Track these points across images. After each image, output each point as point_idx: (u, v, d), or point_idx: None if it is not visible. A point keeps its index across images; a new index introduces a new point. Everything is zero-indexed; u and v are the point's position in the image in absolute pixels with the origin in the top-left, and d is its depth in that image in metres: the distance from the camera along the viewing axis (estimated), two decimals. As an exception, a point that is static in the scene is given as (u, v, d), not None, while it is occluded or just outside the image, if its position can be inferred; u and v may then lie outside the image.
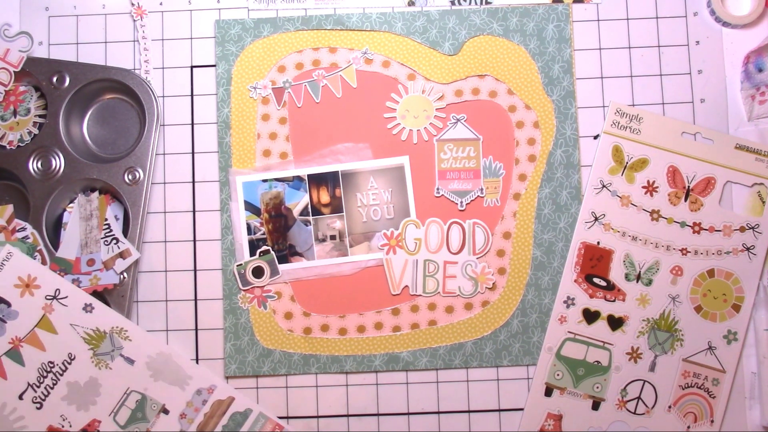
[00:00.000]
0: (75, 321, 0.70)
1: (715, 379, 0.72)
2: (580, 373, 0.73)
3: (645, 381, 0.72)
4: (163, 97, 0.76)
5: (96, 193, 0.74)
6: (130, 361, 0.71)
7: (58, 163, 0.74)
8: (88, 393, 0.70)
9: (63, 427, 0.69)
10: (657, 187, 0.73)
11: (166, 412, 0.71)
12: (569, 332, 0.73)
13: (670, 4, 0.76)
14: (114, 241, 0.71)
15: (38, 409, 0.69)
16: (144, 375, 0.71)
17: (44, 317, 0.70)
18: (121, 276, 0.71)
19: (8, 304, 0.69)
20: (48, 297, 0.70)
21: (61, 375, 0.69)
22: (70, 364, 0.69)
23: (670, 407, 0.72)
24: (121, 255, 0.70)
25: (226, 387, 0.72)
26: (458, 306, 0.74)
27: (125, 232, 0.73)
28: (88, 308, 0.70)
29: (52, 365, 0.69)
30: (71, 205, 0.74)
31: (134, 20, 0.77)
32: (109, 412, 0.70)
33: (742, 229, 0.73)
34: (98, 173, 0.73)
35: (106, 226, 0.72)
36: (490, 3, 0.76)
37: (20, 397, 0.69)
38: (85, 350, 0.70)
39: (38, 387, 0.69)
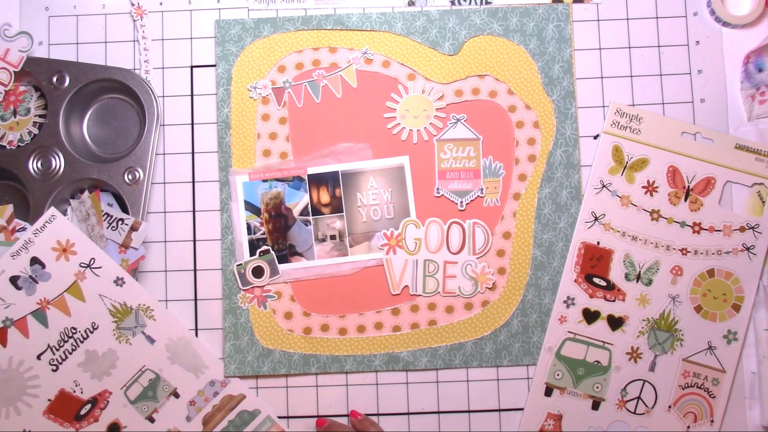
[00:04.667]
0: (104, 292, 0.71)
1: (715, 379, 0.72)
2: (580, 372, 0.73)
3: (645, 381, 0.72)
4: (163, 97, 0.76)
5: (86, 193, 0.74)
6: (151, 340, 0.72)
7: (58, 163, 0.74)
8: (104, 364, 0.71)
9: (74, 392, 0.71)
10: (657, 187, 0.73)
11: (176, 395, 0.72)
12: (569, 332, 0.73)
13: (670, 4, 0.76)
14: (119, 222, 0.72)
15: (54, 371, 0.71)
16: (162, 356, 0.72)
17: (75, 283, 0.71)
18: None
19: (43, 266, 0.71)
20: (82, 264, 0.71)
21: (82, 342, 0.71)
22: (92, 332, 0.71)
23: (670, 407, 0.72)
24: (133, 228, 0.71)
25: (240, 384, 0.73)
26: (458, 306, 0.74)
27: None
28: (119, 282, 0.71)
29: (74, 331, 0.71)
30: (66, 218, 0.74)
31: (134, 20, 0.77)
32: (121, 386, 0.71)
33: (742, 229, 0.73)
34: (98, 173, 0.73)
35: (105, 216, 0.72)
36: (490, 3, 0.76)
37: (38, 357, 0.70)
38: (109, 322, 0.71)
39: (57, 350, 0.71)
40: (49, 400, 0.70)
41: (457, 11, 0.75)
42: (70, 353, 0.71)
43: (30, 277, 0.70)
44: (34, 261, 0.70)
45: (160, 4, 0.77)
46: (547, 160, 0.74)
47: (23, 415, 0.70)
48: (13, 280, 0.70)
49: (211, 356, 0.73)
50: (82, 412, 0.71)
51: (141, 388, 0.72)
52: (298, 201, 0.74)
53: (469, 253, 0.74)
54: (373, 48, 0.75)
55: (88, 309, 0.71)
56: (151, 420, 0.72)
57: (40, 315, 0.70)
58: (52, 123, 0.74)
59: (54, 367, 0.70)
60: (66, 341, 0.71)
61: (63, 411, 0.70)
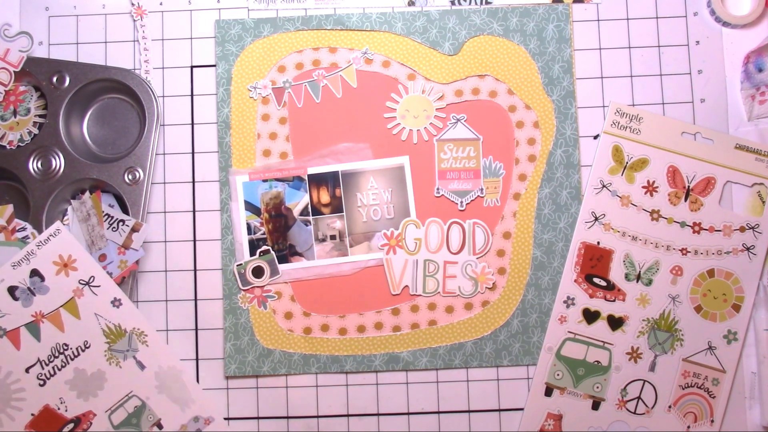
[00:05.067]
0: (100, 312, 0.71)
1: (715, 379, 0.72)
2: (580, 373, 0.73)
3: (645, 381, 0.72)
4: (163, 97, 0.76)
5: (87, 194, 0.74)
6: (141, 366, 0.71)
7: (58, 163, 0.74)
8: (92, 384, 0.70)
9: (59, 409, 0.70)
10: (657, 187, 0.74)
11: (159, 426, 0.71)
12: (569, 332, 0.73)
13: (670, 4, 0.76)
14: (120, 223, 0.71)
15: (41, 386, 0.70)
16: (150, 384, 0.71)
17: (72, 300, 0.70)
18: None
19: (42, 278, 0.70)
20: (81, 281, 0.70)
21: (72, 359, 0.70)
22: (83, 351, 0.70)
23: (670, 407, 0.72)
24: (134, 229, 0.71)
25: (223, 424, 0.72)
26: (458, 306, 0.74)
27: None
28: (116, 303, 0.71)
29: (66, 347, 0.70)
30: (66, 218, 0.74)
31: (134, 20, 0.77)
32: (106, 409, 0.70)
33: (742, 229, 0.73)
34: (98, 173, 0.74)
35: (106, 217, 0.72)
36: (490, 3, 0.76)
37: (27, 370, 0.70)
38: (101, 342, 0.70)
39: (47, 365, 0.70)
40: (32, 414, 0.69)
41: (457, 11, 0.75)
42: (59, 369, 0.70)
43: (28, 288, 0.70)
44: (34, 273, 0.70)
45: (160, 4, 0.77)
46: (547, 160, 0.74)
47: (5, 426, 0.69)
48: (11, 290, 0.70)
49: (198, 390, 0.72)
50: (65, 430, 0.69)
51: (125, 414, 0.70)
52: (298, 201, 0.74)
53: (469, 253, 0.74)
54: (373, 48, 0.75)
55: (82, 327, 0.70)
56: None
57: (33, 328, 0.70)
58: (52, 123, 0.74)
59: (41, 382, 0.69)
60: (56, 357, 0.70)
61: (45, 427, 0.69)
